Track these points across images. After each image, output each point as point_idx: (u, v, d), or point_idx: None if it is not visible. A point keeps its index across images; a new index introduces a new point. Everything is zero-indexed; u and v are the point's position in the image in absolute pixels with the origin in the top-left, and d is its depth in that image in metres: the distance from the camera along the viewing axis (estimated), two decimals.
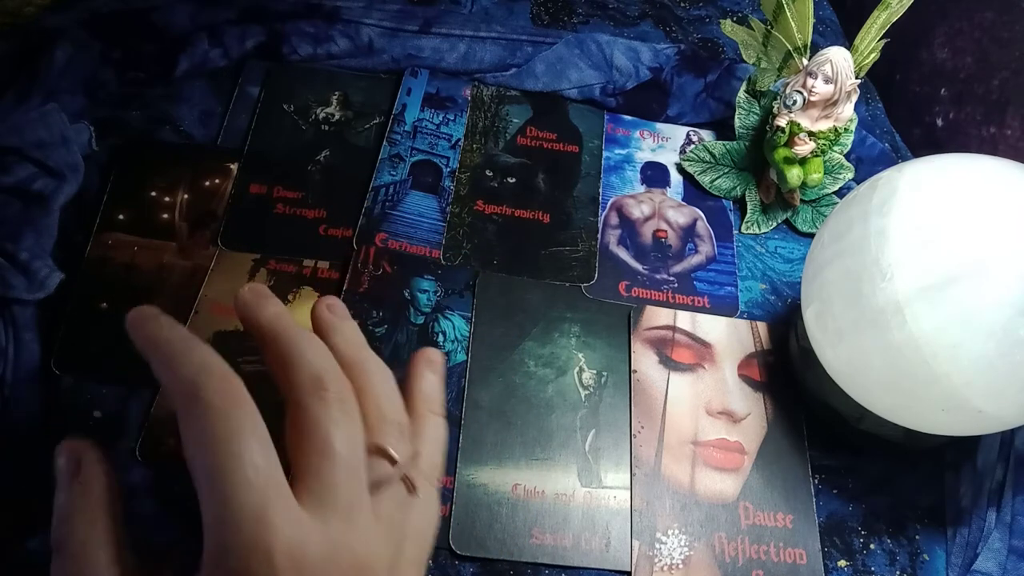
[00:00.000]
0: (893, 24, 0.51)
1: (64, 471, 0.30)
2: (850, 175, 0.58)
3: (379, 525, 0.30)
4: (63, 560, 0.29)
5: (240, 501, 0.26)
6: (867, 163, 0.61)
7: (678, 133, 0.63)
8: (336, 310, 0.35)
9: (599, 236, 0.57)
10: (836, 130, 0.54)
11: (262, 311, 0.32)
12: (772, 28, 0.54)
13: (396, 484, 0.31)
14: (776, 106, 0.55)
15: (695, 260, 0.57)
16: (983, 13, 0.62)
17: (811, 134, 0.53)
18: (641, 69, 0.63)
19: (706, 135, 0.63)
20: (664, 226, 0.58)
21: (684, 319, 0.53)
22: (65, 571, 0.28)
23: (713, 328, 0.53)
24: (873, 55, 0.52)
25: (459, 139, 0.60)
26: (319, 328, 0.34)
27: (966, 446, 0.49)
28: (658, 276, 0.55)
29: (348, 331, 0.34)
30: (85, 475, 0.30)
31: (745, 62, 0.58)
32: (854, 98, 0.53)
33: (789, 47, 0.53)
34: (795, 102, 0.52)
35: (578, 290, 0.54)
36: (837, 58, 0.50)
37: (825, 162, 0.56)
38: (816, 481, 0.48)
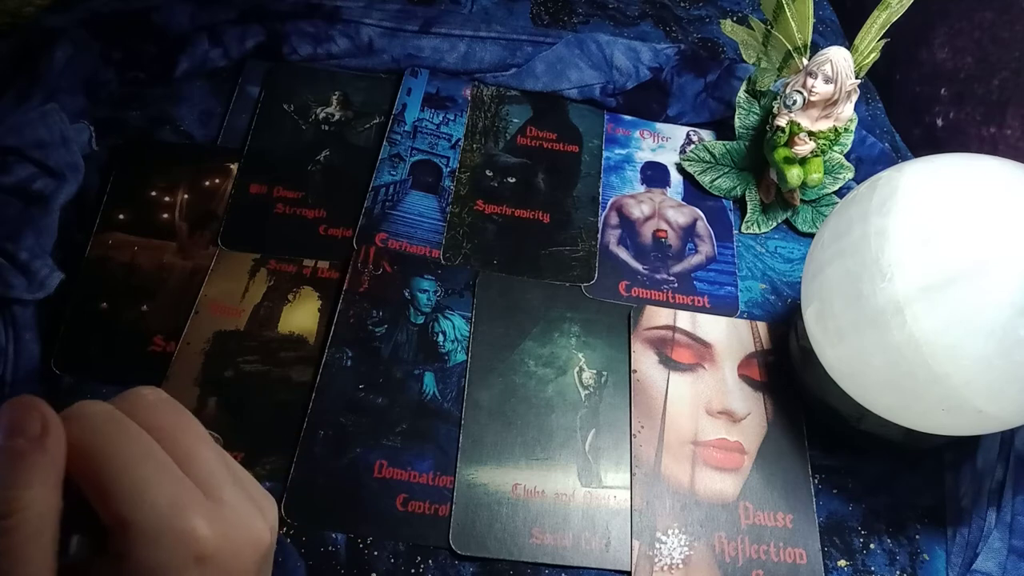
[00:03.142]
0: (893, 24, 0.51)
1: (29, 431, 0.24)
2: (850, 175, 0.58)
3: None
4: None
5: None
6: (867, 163, 0.61)
7: (678, 133, 0.63)
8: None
9: (599, 236, 0.57)
10: (836, 130, 0.54)
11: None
12: (772, 28, 0.54)
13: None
14: (776, 106, 0.55)
15: (695, 260, 0.57)
16: (983, 13, 0.62)
17: (811, 134, 0.53)
18: (641, 69, 0.63)
19: (706, 135, 0.63)
20: (664, 226, 0.58)
21: (684, 319, 0.53)
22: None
23: (713, 328, 0.53)
24: (873, 55, 0.52)
25: (459, 139, 0.60)
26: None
27: (966, 446, 0.49)
28: (658, 276, 0.55)
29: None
30: (53, 441, 0.25)
31: (745, 62, 0.58)
32: (854, 98, 0.53)
33: (789, 47, 0.53)
34: (795, 102, 0.52)
35: (578, 290, 0.54)
36: (837, 58, 0.50)
37: (825, 162, 0.56)
38: (816, 481, 0.48)
